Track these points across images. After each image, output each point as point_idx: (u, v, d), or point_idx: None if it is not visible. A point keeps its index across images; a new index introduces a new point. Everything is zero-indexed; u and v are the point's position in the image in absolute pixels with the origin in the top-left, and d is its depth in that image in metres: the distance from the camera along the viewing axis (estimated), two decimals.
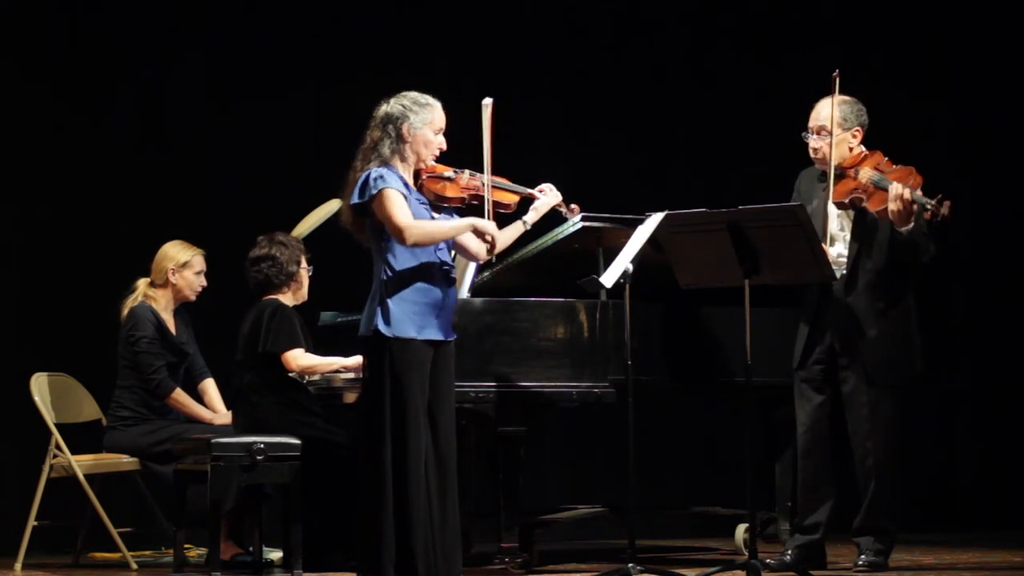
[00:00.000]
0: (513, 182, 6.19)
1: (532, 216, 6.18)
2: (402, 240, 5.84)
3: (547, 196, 6.21)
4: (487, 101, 6.09)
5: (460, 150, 6.15)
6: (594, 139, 9.27)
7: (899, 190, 6.44)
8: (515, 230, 6.16)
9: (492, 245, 6.00)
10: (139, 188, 8.67)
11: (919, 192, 6.49)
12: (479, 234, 5.99)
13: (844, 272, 6.65)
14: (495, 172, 6.10)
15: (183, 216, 8.45)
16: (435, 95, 6.07)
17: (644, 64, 9.36)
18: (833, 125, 6.62)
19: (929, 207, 6.44)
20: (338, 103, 8.77)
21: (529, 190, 6.20)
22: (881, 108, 6.89)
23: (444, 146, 6.03)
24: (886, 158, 6.65)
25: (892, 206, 6.46)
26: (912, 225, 6.49)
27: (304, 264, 7.18)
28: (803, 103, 6.83)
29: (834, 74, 6.60)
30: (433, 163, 6.04)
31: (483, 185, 6.06)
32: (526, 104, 8.85)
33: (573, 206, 6.29)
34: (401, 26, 9.09)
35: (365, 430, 5.91)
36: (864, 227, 6.64)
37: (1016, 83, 9.44)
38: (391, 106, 5.98)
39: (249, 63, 8.88)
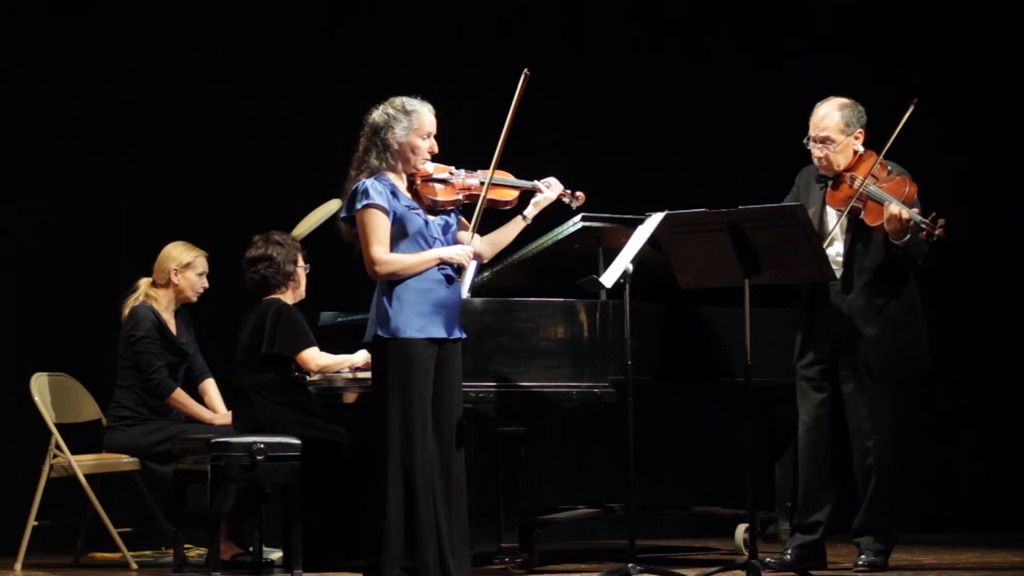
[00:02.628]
0: (517, 177, 6.18)
1: (532, 211, 6.17)
2: (372, 272, 5.92)
3: (549, 191, 6.19)
4: (526, 71, 6.06)
5: (460, 150, 6.15)
6: (594, 139, 9.27)
7: (896, 211, 6.44)
8: (515, 227, 6.17)
9: (458, 274, 6.00)
10: (139, 188, 8.67)
11: (916, 211, 6.49)
12: (452, 265, 6.00)
13: (841, 271, 6.65)
14: (501, 166, 6.09)
15: (183, 216, 8.45)
16: (435, 95, 6.07)
17: (644, 63, 9.36)
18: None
19: (924, 227, 6.43)
20: (338, 103, 8.77)
21: (532, 183, 6.19)
22: (879, 106, 6.88)
23: (435, 149, 6.03)
24: (880, 159, 6.63)
25: (888, 225, 6.46)
26: (908, 238, 6.49)
27: (301, 263, 7.17)
28: (804, 103, 6.82)
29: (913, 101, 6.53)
30: (427, 167, 6.03)
31: (480, 184, 6.06)
32: (526, 104, 8.83)
33: (578, 193, 6.26)
34: (401, 26, 9.08)
35: (372, 432, 5.93)
36: (859, 226, 6.64)
37: (1017, 81, 9.45)
38: (377, 115, 6.00)
39: (249, 63, 8.88)
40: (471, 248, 6.05)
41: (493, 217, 6.17)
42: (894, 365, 6.66)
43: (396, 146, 5.97)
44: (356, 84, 8.69)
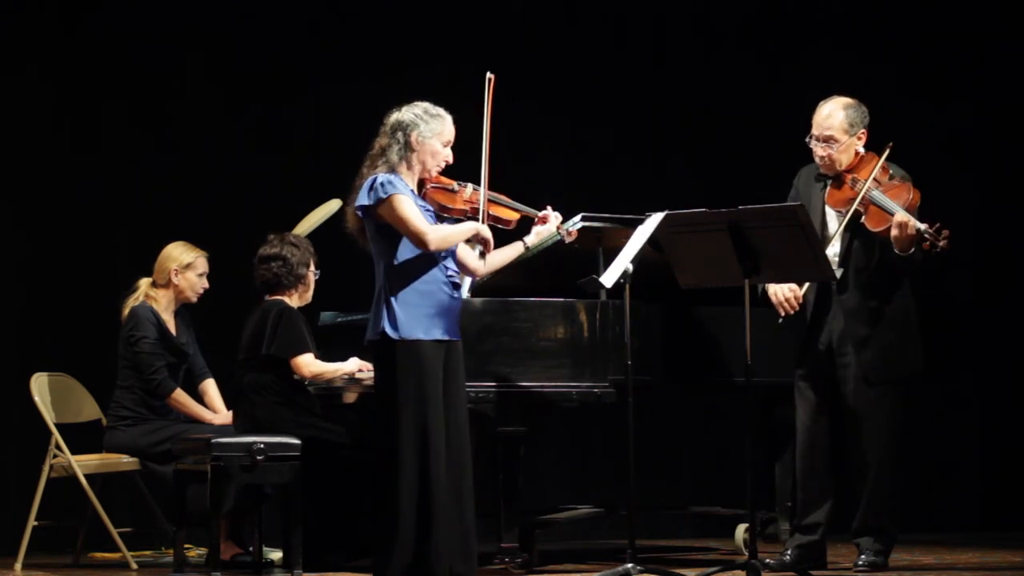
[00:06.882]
0: (515, 191, 6.22)
1: (533, 239, 6.24)
2: (424, 245, 5.88)
3: (550, 223, 6.24)
4: (490, 75, 6.08)
5: (460, 152, 6.15)
6: (594, 139, 9.26)
7: (903, 220, 6.42)
8: (514, 250, 6.23)
9: (486, 250, 6.02)
10: (139, 188, 8.67)
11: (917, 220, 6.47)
12: (481, 240, 6.01)
13: (839, 271, 6.64)
14: (496, 184, 6.13)
15: (183, 216, 8.44)
16: (433, 95, 6.08)
17: (644, 63, 9.36)
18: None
19: (928, 237, 6.41)
20: (338, 103, 8.78)
21: (530, 210, 6.23)
22: (878, 105, 6.88)
23: (450, 159, 6.05)
24: (882, 160, 6.62)
25: (895, 232, 6.44)
26: (912, 251, 6.48)
27: (313, 267, 7.17)
28: (804, 102, 6.82)
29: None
30: (437, 175, 6.07)
31: (489, 201, 6.10)
32: (526, 104, 8.84)
33: (572, 230, 6.32)
34: (401, 26, 9.08)
35: (382, 435, 5.91)
36: (857, 227, 6.63)
37: (1018, 80, 9.45)
38: (403, 114, 6.02)
39: (249, 63, 8.88)
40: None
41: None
42: (890, 365, 6.65)
43: (418, 146, 5.99)
44: (355, 85, 8.70)
